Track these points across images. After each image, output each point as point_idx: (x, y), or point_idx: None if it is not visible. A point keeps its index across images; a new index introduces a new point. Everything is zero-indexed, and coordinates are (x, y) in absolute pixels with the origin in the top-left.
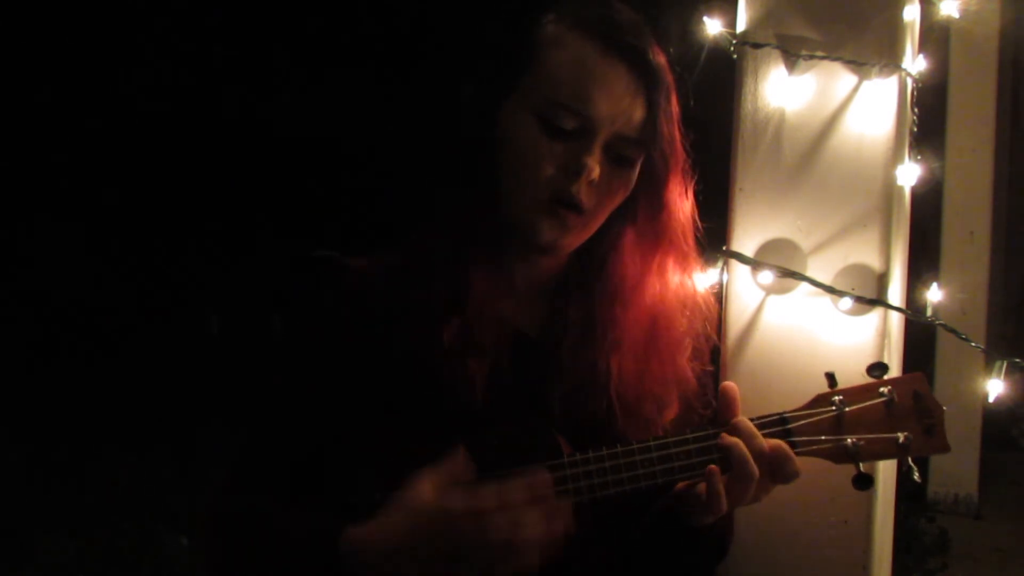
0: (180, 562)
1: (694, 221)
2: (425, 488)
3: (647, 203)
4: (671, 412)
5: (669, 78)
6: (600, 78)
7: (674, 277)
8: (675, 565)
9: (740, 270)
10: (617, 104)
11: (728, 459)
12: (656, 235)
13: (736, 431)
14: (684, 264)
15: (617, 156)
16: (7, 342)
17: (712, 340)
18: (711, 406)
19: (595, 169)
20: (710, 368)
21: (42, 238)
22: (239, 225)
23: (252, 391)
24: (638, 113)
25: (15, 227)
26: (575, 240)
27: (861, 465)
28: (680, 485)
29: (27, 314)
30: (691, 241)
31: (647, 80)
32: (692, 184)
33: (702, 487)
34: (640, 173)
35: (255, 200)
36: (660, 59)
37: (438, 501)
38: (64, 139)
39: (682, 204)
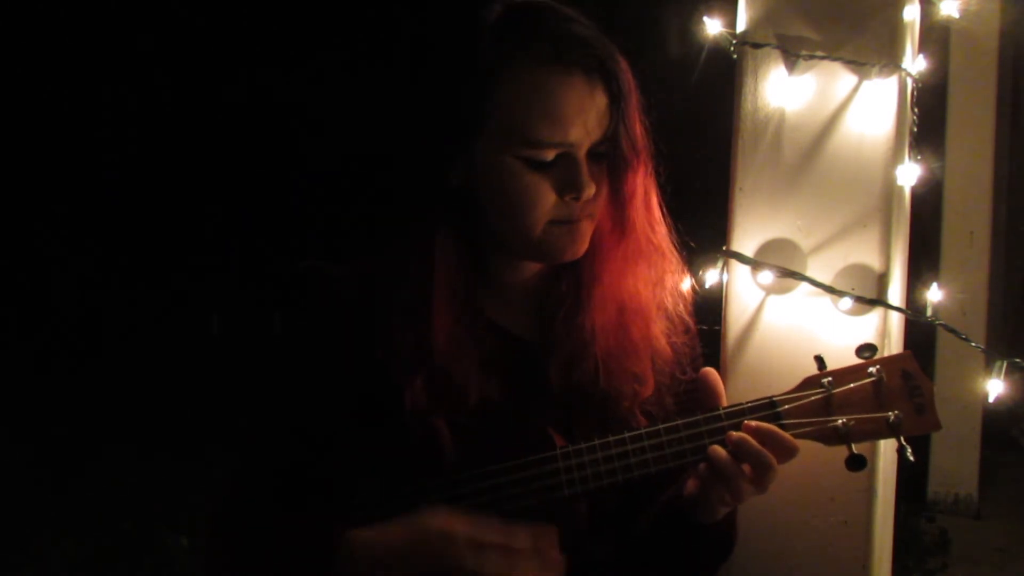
0: (180, 562)
1: (660, 205)
2: (438, 512)
3: (614, 192)
4: (647, 388)
5: (625, 70)
6: (568, 102)
7: (642, 260)
8: (681, 563)
9: (740, 270)
10: (588, 119)
11: (739, 454)
12: (623, 221)
13: (747, 430)
14: (653, 246)
15: (595, 155)
16: (8, 342)
17: (686, 318)
18: (687, 373)
19: (591, 187)
20: (684, 339)
21: (43, 239)
22: (240, 225)
23: (249, 394)
24: (605, 114)
25: (17, 228)
26: (589, 239)
27: (854, 446)
28: (689, 488)
29: (28, 314)
30: (657, 225)
31: (605, 79)
32: (653, 171)
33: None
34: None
35: (255, 201)
36: (613, 55)
37: (444, 524)
38: (66, 141)
39: (648, 190)
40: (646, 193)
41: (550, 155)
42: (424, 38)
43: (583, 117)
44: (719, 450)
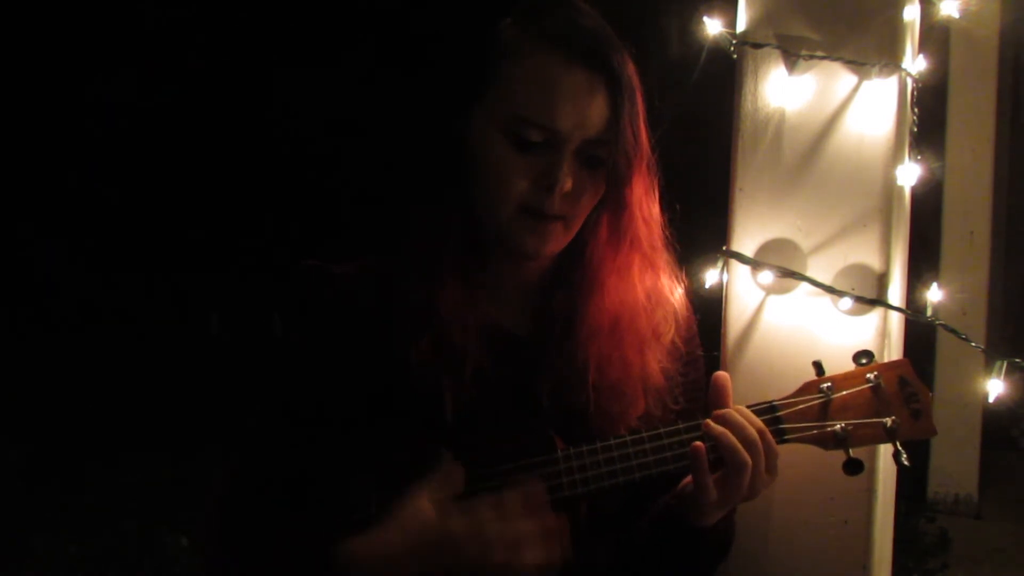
0: (180, 562)
1: (661, 220)
2: (424, 505)
3: (611, 201)
4: (637, 409)
5: (633, 77)
6: (563, 89)
7: (639, 275)
8: (677, 565)
9: (740, 270)
10: (582, 112)
11: (718, 449)
12: (620, 233)
13: (724, 422)
14: (650, 262)
15: (588, 158)
16: (8, 342)
17: (680, 342)
18: (679, 403)
19: (568, 182)
20: (677, 366)
21: (43, 239)
22: (240, 225)
23: (248, 395)
24: (603, 115)
25: (17, 228)
26: (558, 244)
27: (851, 451)
28: (682, 484)
29: (28, 314)
30: (658, 241)
31: (609, 82)
32: (657, 183)
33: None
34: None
35: (255, 200)
36: (622, 59)
37: (438, 520)
38: (66, 139)
39: (647, 203)
40: (645, 205)
41: (535, 136)
42: (441, 15)
43: (577, 110)
44: (700, 446)
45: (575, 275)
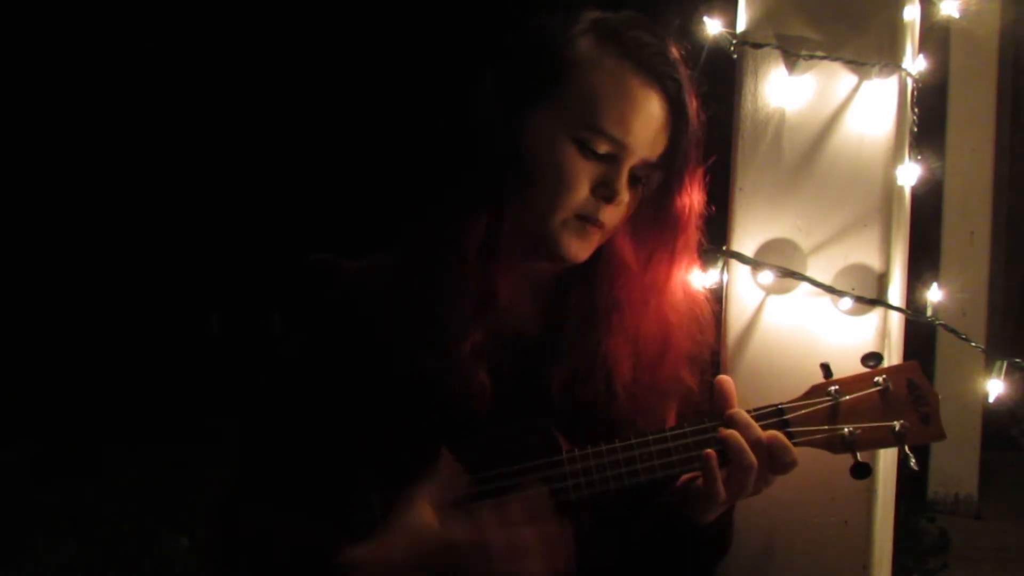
0: (180, 562)
1: (700, 235)
2: (425, 511)
3: (655, 212)
4: (670, 421)
5: (696, 104)
6: (638, 107)
7: (675, 287)
8: (675, 563)
9: (740, 270)
10: (651, 134)
11: (725, 450)
12: (664, 245)
13: (732, 422)
14: (685, 276)
15: (634, 177)
16: (8, 342)
17: (706, 355)
18: (701, 412)
19: (625, 197)
20: (706, 378)
21: (44, 239)
22: (241, 225)
23: (252, 394)
24: (664, 141)
25: (18, 228)
26: (592, 250)
27: (859, 455)
28: (681, 481)
29: (28, 314)
30: (694, 255)
31: (676, 110)
32: (704, 200)
33: (701, 479)
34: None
35: (257, 200)
36: (688, 88)
37: (440, 528)
38: (66, 138)
39: (695, 221)
40: (692, 223)
41: (602, 148)
42: (514, 13)
43: (647, 130)
44: (711, 453)
45: (595, 267)
